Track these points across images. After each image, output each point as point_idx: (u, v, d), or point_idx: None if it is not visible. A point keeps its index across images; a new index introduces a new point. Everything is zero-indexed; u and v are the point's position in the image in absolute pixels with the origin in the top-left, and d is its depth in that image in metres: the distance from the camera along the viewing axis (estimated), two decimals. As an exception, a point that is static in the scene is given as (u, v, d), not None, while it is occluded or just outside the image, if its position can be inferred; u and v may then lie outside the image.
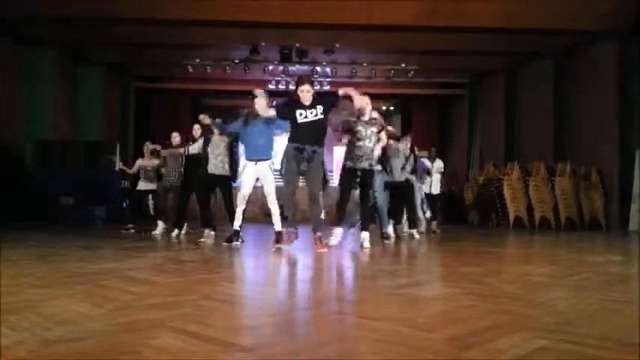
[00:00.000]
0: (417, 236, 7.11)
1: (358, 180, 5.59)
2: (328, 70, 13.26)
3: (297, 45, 12.03)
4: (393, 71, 13.46)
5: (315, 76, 13.03)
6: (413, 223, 7.28)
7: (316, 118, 5.08)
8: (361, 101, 5.35)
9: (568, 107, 11.93)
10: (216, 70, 13.44)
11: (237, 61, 12.99)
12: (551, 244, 6.65)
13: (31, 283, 3.09)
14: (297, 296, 2.99)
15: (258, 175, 5.57)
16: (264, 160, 5.54)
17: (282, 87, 14.08)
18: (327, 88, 13.82)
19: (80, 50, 12.63)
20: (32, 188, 10.75)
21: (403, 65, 13.26)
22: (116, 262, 4.25)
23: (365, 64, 13.26)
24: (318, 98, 5.20)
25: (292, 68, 12.94)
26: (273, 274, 3.95)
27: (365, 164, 5.55)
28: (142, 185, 8.27)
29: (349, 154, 5.58)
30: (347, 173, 5.63)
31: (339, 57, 12.77)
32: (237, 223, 5.68)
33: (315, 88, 5.23)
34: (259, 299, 2.74)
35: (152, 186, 8.21)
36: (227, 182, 6.37)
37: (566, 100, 12.00)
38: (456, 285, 3.20)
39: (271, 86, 14.05)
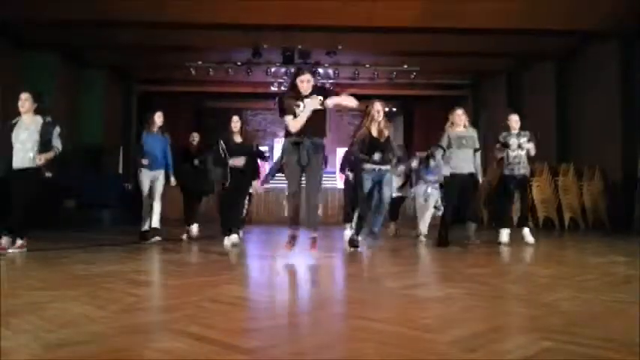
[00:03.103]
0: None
1: (515, 184, 6.41)
2: (331, 71, 13.26)
3: (300, 47, 12.04)
4: (395, 72, 13.46)
5: (317, 77, 13.03)
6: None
7: (317, 108, 4.64)
8: (350, 101, 4.92)
9: (571, 107, 11.89)
10: (219, 73, 13.45)
11: (239, 63, 13.00)
12: (554, 244, 6.63)
13: (33, 286, 3.09)
14: (300, 298, 2.98)
15: (153, 181, 6.57)
16: (159, 169, 6.59)
17: (284, 89, 14.09)
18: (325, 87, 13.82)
19: (82, 53, 12.65)
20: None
21: (405, 67, 13.25)
22: (119, 264, 4.26)
23: (367, 66, 13.25)
24: (319, 90, 4.86)
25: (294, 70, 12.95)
26: (276, 276, 3.94)
27: (521, 171, 6.39)
28: None
29: (506, 165, 6.43)
30: (506, 180, 6.48)
31: (342, 59, 12.76)
32: (156, 219, 6.56)
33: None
34: (262, 301, 2.74)
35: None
36: (34, 176, 5.22)
37: (569, 101, 11.96)
38: (460, 286, 3.19)
39: (274, 88, 14.07)
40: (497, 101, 13.95)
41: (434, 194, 7.44)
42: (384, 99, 16.00)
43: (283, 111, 4.78)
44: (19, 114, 5.25)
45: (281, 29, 10.55)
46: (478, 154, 6.23)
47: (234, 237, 6.07)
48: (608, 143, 10.48)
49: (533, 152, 6.47)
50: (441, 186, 7.07)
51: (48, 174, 5.29)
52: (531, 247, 6.04)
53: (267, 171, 7.21)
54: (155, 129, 6.72)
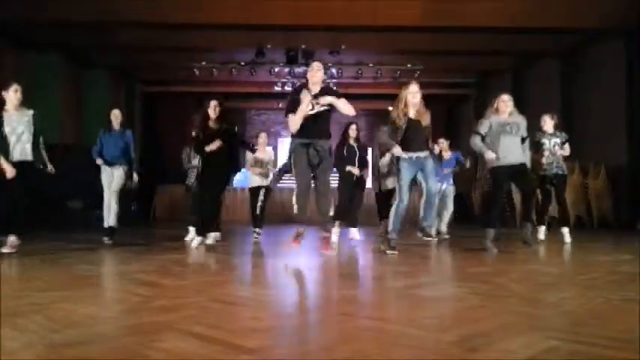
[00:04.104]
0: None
1: (553, 183, 6.50)
2: (334, 71, 13.26)
3: (303, 46, 12.04)
4: (399, 72, 13.45)
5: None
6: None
7: (323, 109, 4.74)
8: (350, 111, 4.82)
9: (575, 106, 11.85)
10: (222, 73, 13.47)
11: (243, 63, 13.02)
12: (560, 243, 6.60)
13: (39, 286, 3.10)
14: (304, 298, 2.98)
15: (111, 178, 6.43)
16: (118, 165, 6.42)
17: (288, 88, 14.10)
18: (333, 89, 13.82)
19: (86, 54, 12.70)
20: (39, 191, 10.80)
21: (409, 65, 13.24)
22: (123, 264, 4.27)
23: (371, 65, 13.25)
24: (327, 90, 4.93)
25: (298, 70, 12.95)
26: (280, 275, 3.94)
27: (554, 171, 6.45)
28: (257, 181, 7.07)
29: (541, 164, 6.43)
30: (542, 180, 6.51)
31: (345, 58, 12.76)
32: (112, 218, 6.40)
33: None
34: (266, 301, 2.74)
35: (266, 182, 7.09)
36: (33, 170, 5.18)
37: (573, 99, 11.93)
38: (465, 285, 3.19)
39: (277, 88, 14.07)
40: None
41: (450, 190, 7.17)
42: (388, 98, 16.08)
43: (292, 106, 4.78)
44: None
45: (284, 29, 10.56)
46: (526, 143, 5.58)
47: (200, 238, 5.87)
48: (613, 141, 10.45)
49: (565, 153, 6.50)
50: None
51: (51, 169, 5.36)
52: (541, 246, 6.01)
53: (276, 171, 7.10)
54: (114, 127, 6.62)
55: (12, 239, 4.97)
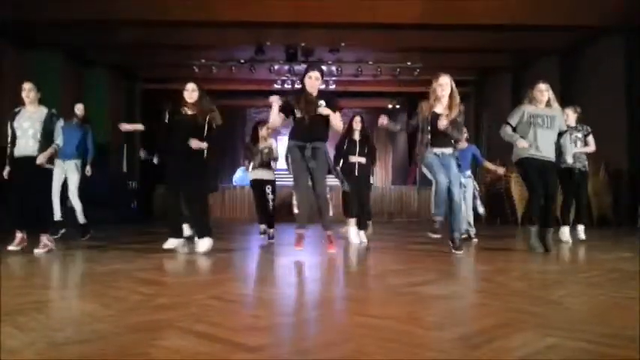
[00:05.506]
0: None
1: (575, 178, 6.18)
2: (334, 69, 13.26)
3: (303, 44, 12.04)
4: (398, 69, 13.44)
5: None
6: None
7: (317, 113, 4.74)
8: (339, 127, 4.86)
9: (575, 103, 11.83)
10: (222, 71, 13.48)
11: (242, 61, 13.02)
12: (559, 241, 6.60)
13: (40, 285, 3.10)
14: (305, 296, 2.98)
15: (65, 173, 6.59)
16: (69, 159, 6.57)
17: (287, 86, 14.10)
18: (332, 87, 13.83)
19: (85, 53, 12.70)
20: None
21: (409, 63, 13.23)
22: (124, 262, 4.26)
23: (370, 63, 13.24)
24: (322, 95, 4.92)
25: (298, 67, 12.95)
26: (280, 273, 3.94)
27: (577, 166, 6.18)
28: (259, 174, 6.65)
29: (559, 158, 5.54)
30: (563, 174, 5.93)
31: (345, 56, 12.76)
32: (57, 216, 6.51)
33: (321, 87, 4.95)
34: (267, 299, 2.74)
35: (271, 177, 6.68)
36: (35, 166, 4.98)
37: (573, 97, 11.89)
38: (465, 283, 3.19)
39: (277, 85, 14.07)
40: (501, 98, 13.92)
41: (469, 184, 6.57)
42: (388, 96, 16.14)
43: (285, 110, 4.85)
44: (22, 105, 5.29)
45: (284, 27, 10.56)
46: (561, 137, 5.31)
47: (176, 241, 5.15)
48: (613, 139, 10.44)
49: (589, 149, 6.28)
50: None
51: (49, 165, 5.27)
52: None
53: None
54: (74, 120, 6.77)
55: (42, 240, 5.04)
